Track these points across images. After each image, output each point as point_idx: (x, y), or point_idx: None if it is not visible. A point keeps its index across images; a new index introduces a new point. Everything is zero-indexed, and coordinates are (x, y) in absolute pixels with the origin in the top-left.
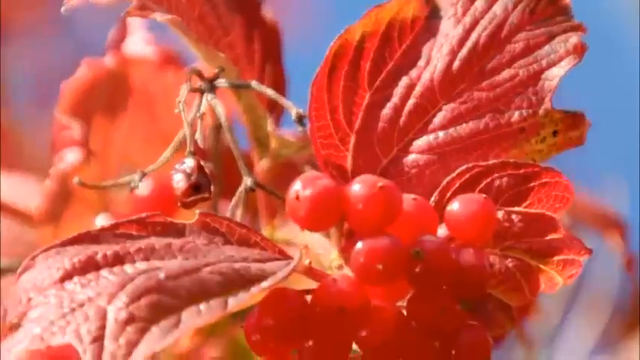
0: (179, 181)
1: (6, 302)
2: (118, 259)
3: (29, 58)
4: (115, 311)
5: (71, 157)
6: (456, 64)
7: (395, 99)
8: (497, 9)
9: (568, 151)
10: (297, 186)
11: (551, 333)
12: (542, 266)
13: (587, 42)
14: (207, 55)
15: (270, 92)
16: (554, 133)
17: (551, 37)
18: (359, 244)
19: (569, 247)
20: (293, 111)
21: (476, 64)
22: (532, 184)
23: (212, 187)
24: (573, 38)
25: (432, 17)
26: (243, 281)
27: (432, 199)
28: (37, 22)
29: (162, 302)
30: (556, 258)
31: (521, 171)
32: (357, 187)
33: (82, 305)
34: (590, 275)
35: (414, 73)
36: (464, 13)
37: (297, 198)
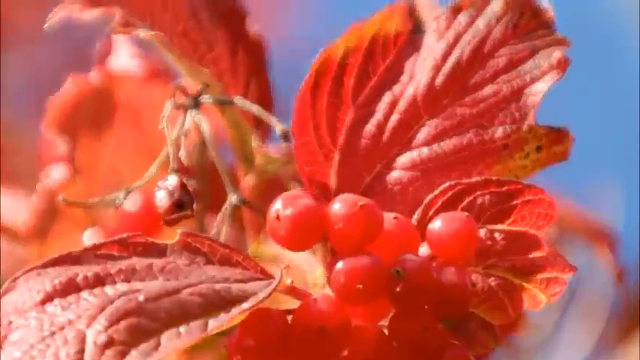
0: (162, 199)
1: None
2: (99, 281)
3: (26, 61)
4: (94, 334)
5: (57, 173)
6: (439, 79)
7: (378, 115)
8: (480, 23)
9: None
10: (277, 205)
11: (545, 342)
12: (525, 284)
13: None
14: (191, 71)
15: (254, 108)
16: (538, 149)
17: (534, 52)
18: (339, 264)
19: (553, 264)
20: (278, 127)
21: (459, 79)
22: (515, 202)
23: (195, 205)
24: (557, 53)
25: (415, 32)
26: (223, 302)
27: (415, 217)
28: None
29: (142, 325)
30: (539, 276)
31: (504, 188)
32: (337, 206)
33: (62, 328)
34: (584, 283)
35: (397, 88)
36: (447, 28)
37: (278, 217)
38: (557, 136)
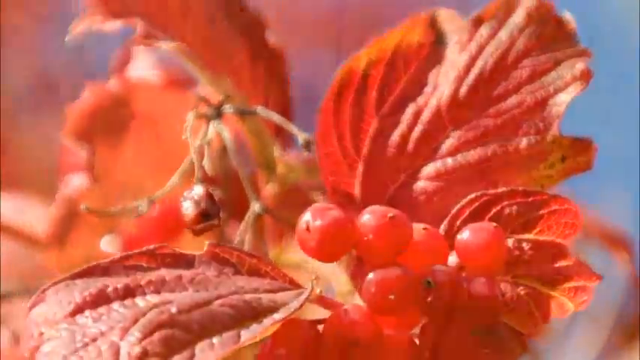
0: (188, 209)
1: (11, 326)
2: (129, 292)
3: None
4: (129, 346)
5: (77, 181)
6: (463, 90)
7: (402, 125)
8: (503, 35)
9: None
10: (307, 217)
11: (554, 345)
12: (553, 293)
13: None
14: (212, 81)
15: (276, 117)
16: (563, 159)
17: (557, 63)
18: (370, 275)
19: (579, 273)
20: (300, 137)
21: (483, 90)
22: (541, 212)
23: (221, 214)
24: (580, 64)
25: (437, 43)
26: (255, 313)
27: (442, 227)
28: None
29: (176, 337)
30: (567, 285)
31: (530, 199)
32: (367, 218)
33: (94, 340)
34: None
35: (421, 99)
36: (469, 40)
37: (308, 229)
38: (582, 146)
